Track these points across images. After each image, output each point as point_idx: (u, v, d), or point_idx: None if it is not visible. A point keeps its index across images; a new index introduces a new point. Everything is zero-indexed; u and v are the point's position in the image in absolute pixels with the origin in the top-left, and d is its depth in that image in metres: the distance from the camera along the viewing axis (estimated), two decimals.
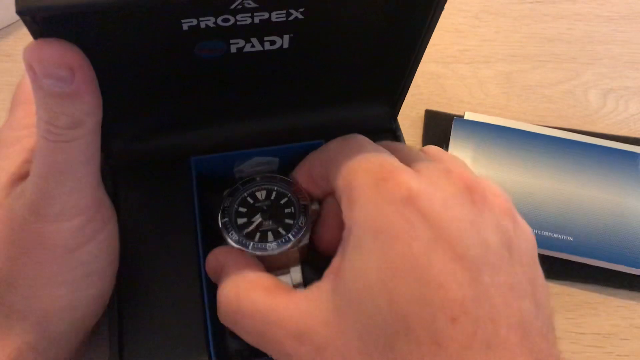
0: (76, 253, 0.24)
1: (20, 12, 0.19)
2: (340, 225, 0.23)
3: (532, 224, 0.37)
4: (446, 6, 0.26)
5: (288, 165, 0.30)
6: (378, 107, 0.34)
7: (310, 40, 0.28)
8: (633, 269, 0.36)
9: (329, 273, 0.22)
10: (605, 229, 0.37)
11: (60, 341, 0.25)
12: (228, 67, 0.29)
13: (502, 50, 0.50)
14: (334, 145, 0.26)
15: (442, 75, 0.47)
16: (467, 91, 0.47)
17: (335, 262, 0.22)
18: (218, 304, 0.25)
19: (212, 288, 0.27)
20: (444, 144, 0.41)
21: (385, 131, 0.34)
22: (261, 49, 0.27)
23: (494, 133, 0.41)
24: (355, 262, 0.19)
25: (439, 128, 0.43)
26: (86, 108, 0.22)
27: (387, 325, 0.18)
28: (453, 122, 0.42)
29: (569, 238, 0.37)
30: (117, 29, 0.24)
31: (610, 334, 0.36)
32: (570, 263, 0.37)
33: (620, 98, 0.47)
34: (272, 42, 0.27)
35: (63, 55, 0.20)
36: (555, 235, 0.37)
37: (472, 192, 0.19)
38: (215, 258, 0.27)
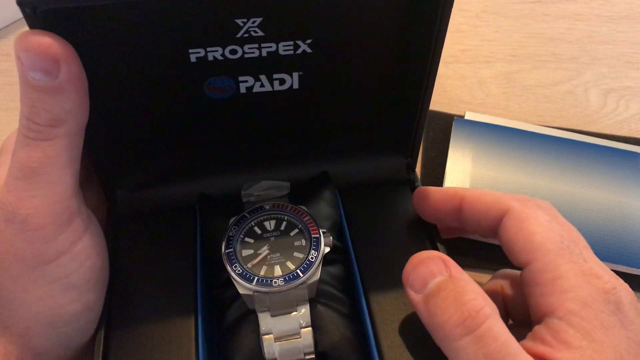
0: (50, 266, 0.23)
1: (20, 2, 0.19)
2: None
3: None
4: None
5: (296, 198, 0.29)
6: (392, 157, 0.32)
7: (319, 79, 0.27)
8: (633, 269, 0.36)
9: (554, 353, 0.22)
10: (605, 229, 0.37)
11: (46, 355, 0.24)
12: (238, 110, 0.28)
13: (503, 50, 0.50)
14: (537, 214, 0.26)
15: (442, 75, 0.47)
16: (467, 91, 0.47)
17: (565, 341, 0.22)
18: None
19: (208, 337, 0.26)
20: (444, 143, 0.41)
21: (402, 183, 0.32)
22: (271, 89, 0.27)
23: (494, 133, 0.41)
24: (591, 349, 0.22)
25: (439, 128, 0.43)
26: (68, 106, 0.21)
27: None
28: (453, 122, 0.42)
29: None
30: (122, 41, 0.23)
31: None
32: None
33: (620, 98, 0.47)
34: (282, 82, 0.27)
35: (50, 46, 0.20)
36: None
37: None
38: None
